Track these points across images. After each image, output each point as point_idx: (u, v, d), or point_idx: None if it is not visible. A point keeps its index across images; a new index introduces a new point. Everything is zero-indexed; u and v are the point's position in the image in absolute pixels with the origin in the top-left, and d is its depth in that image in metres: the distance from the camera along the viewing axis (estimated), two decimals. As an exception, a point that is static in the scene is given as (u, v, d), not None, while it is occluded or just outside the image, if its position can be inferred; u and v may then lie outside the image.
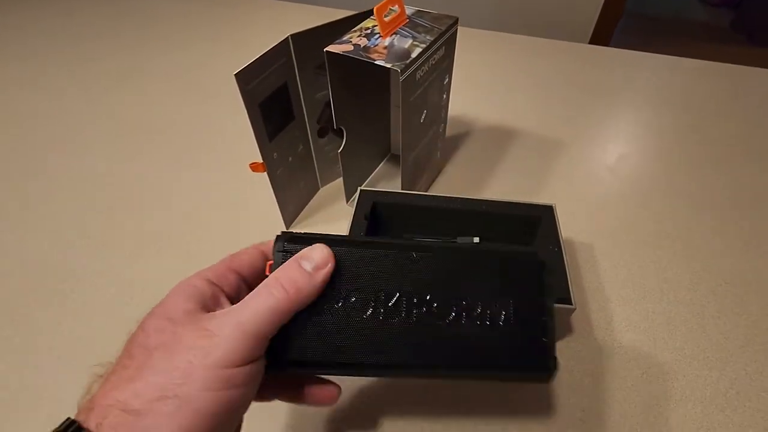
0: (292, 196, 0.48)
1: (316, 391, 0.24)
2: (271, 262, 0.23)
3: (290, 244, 0.23)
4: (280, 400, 0.25)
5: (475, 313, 0.23)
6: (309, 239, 0.23)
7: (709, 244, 0.46)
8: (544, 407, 0.34)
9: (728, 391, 0.35)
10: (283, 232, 0.23)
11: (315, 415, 0.34)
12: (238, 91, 0.35)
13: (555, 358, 0.23)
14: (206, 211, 0.50)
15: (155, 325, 0.20)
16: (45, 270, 0.44)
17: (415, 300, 0.23)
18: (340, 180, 0.50)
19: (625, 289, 0.42)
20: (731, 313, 0.40)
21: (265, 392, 0.24)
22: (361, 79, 0.43)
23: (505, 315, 0.23)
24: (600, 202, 0.51)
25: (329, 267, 0.22)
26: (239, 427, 0.23)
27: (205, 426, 0.17)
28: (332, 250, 0.22)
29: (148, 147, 0.59)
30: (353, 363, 0.22)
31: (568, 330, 0.39)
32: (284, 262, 0.22)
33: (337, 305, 0.22)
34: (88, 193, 0.53)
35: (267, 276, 0.22)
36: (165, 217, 0.49)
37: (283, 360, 0.22)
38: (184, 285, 0.21)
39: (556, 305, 0.33)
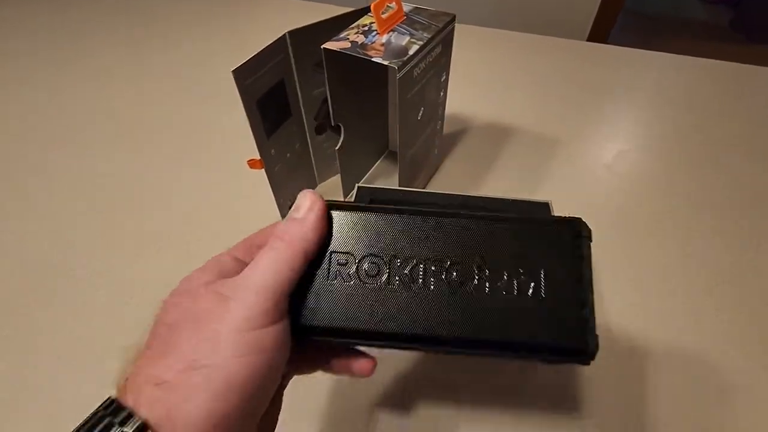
0: (290, 192, 0.48)
1: (347, 363, 0.24)
2: None
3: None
4: (319, 370, 0.24)
5: (500, 282, 0.21)
6: (332, 206, 0.23)
7: (707, 242, 0.46)
8: (535, 401, 0.34)
9: (723, 388, 0.35)
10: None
11: (313, 410, 0.34)
12: (236, 88, 0.35)
13: (596, 336, 0.20)
14: (205, 209, 0.50)
15: (173, 301, 0.20)
16: (44, 269, 0.44)
17: (433, 267, 0.21)
18: (338, 177, 0.50)
19: (622, 287, 0.42)
20: (729, 311, 0.40)
21: (299, 364, 0.24)
22: (359, 76, 0.43)
23: (534, 285, 0.21)
24: (597, 199, 0.51)
25: (317, 207, 0.22)
26: (279, 401, 0.23)
27: (238, 394, 0.17)
28: (344, 213, 0.22)
29: (146, 145, 0.59)
30: (363, 330, 0.21)
31: (564, 326, 0.39)
32: None
33: (350, 271, 0.22)
34: (86, 192, 0.53)
35: None
36: (164, 216, 0.50)
37: (295, 328, 0.21)
38: (208, 262, 0.21)
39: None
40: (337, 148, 0.45)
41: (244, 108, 0.36)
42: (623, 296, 0.41)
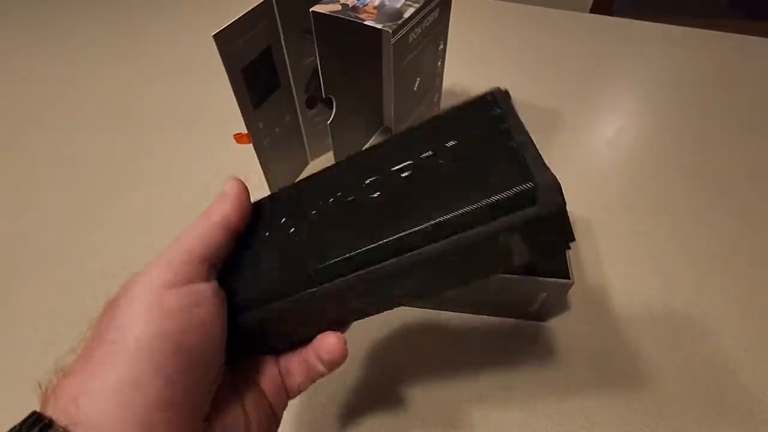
0: (281, 169, 0.46)
1: (312, 351, 0.21)
2: None
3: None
4: (290, 397, 0.22)
5: (422, 163, 0.18)
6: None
7: (710, 219, 0.45)
8: (536, 383, 0.34)
9: (725, 367, 0.34)
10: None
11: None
12: (219, 55, 0.32)
13: (546, 168, 0.16)
14: (190, 186, 0.48)
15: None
16: (23, 250, 0.43)
17: (353, 188, 0.20)
18: (331, 153, 0.48)
19: (624, 264, 0.41)
20: (731, 289, 0.39)
21: (274, 393, 0.22)
22: (351, 44, 0.40)
23: (459, 152, 0.18)
24: (598, 176, 0.49)
25: (234, 181, 0.21)
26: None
27: (149, 359, 0.15)
28: (274, 195, 0.23)
29: (126, 120, 0.57)
30: (305, 278, 0.18)
31: (565, 305, 0.38)
32: None
33: (271, 238, 0.21)
34: (64, 171, 0.50)
35: None
36: (146, 195, 0.47)
37: (234, 307, 0.19)
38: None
39: (555, 279, 0.32)
40: (329, 122, 0.43)
41: (228, 76, 0.34)
42: (625, 273, 0.40)
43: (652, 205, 0.46)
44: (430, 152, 0.19)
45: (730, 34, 0.70)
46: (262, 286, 0.19)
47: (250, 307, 0.20)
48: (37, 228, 0.45)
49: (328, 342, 0.20)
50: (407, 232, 0.16)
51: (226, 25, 0.32)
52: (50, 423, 0.14)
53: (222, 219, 0.20)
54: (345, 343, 0.20)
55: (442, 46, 0.43)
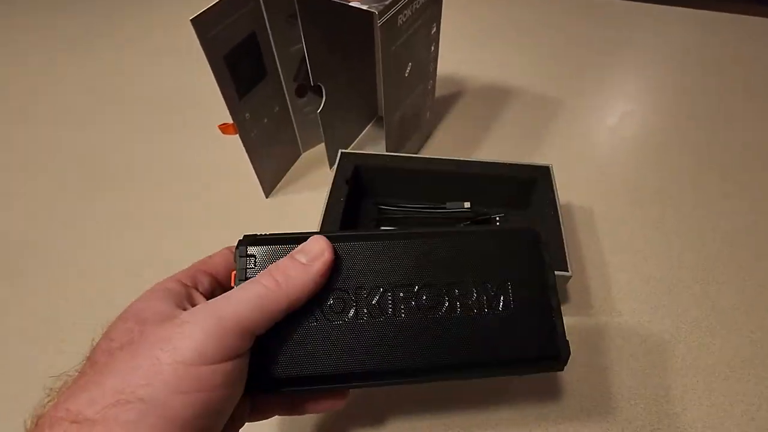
0: (271, 162, 0.44)
1: (314, 404, 0.21)
2: (235, 271, 0.20)
3: (254, 247, 0.20)
4: (279, 415, 0.22)
5: (470, 301, 0.20)
6: (275, 240, 0.20)
7: (713, 206, 0.43)
8: (532, 377, 0.32)
9: (732, 359, 0.33)
10: (245, 235, 0.21)
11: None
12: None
13: (567, 342, 0.21)
14: (174, 179, 0.47)
15: (122, 326, 0.17)
16: (5, 245, 0.42)
17: (401, 294, 0.20)
18: (323, 145, 0.46)
19: (625, 255, 0.39)
20: (736, 277, 0.38)
21: (262, 407, 0.21)
22: (338, 28, 0.39)
23: (504, 299, 0.20)
24: (599, 164, 0.48)
25: (326, 256, 0.19)
26: None
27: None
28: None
29: (106, 109, 0.55)
30: (335, 374, 0.19)
31: (564, 298, 0.36)
32: (249, 268, 0.20)
33: (314, 312, 0.20)
34: (48, 166, 0.49)
35: (233, 288, 0.19)
36: (130, 189, 0.46)
37: (261, 382, 0.19)
38: (155, 288, 0.19)
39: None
40: (318, 111, 0.41)
41: (210, 64, 0.33)
42: (626, 263, 0.38)
43: (655, 194, 0.44)
44: (489, 291, 0.21)
45: (733, 15, 0.67)
46: (285, 370, 0.19)
47: (265, 381, 0.19)
48: (17, 221, 0.44)
49: (335, 402, 0.21)
50: (446, 364, 0.20)
51: (205, 8, 0.31)
52: None
53: (295, 300, 0.18)
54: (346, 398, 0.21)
55: (435, 30, 0.41)
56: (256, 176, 0.43)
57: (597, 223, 0.42)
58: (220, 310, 0.16)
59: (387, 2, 0.31)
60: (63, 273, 0.39)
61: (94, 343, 0.17)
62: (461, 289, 0.20)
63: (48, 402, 0.16)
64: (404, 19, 0.34)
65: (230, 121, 0.37)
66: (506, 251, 0.21)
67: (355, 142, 0.51)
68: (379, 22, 0.31)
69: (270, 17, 0.36)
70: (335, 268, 0.20)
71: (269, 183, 0.45)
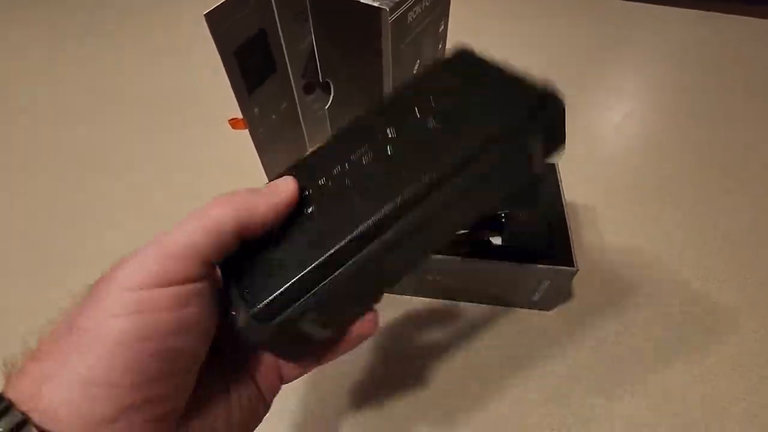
0: (278, 157, 0.45)
1: (344, 328, 0.19)
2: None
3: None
4: (284, 382, 0.21)
5: (421, 122, 0.18)
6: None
7: (714, 204, 0.44)
8: (539, 373, 0.33)
9: (735, 357, 0.33)
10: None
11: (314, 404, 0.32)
12: (212, 40, 0.31)
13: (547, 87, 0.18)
14: (185, 173, 0.47)
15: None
16: (12, 241, 0.42)
17: (354, 154, 0.18)
18: (329, 140, 0.47)
19: (630, 251, 0.40)
20: (738, 274, 0.38)
21: (282, 368, 0.20)
22: (348, 24, 0.39)
23: (459, 101, 0.19)
24: (604, 162, 0.48)
25: (288, 191, 0.18)
26: (255, 408, 0.19)
27: (123, 357, 0.14)
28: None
29: (120, 106, 0.56)
30: (340, 250, 0.16)
31: (569, 294, 0.37)
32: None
33: (288, 230, 0.18)
34: (57, 160, 0.50)
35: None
36: (142, 182, 0.47)
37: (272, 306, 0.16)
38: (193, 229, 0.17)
39: (559, 267, 0.31)
40: (326, 107, 0.42)
41: (221, 58, 0.33)
42: (630, 260, 0.39)
43: (658, 192, 0.45)
44: (436, 100, 0.19)
45: (735, 17, 0.68)
46: (287, 279, 0.16)
47: (275, 309, 0.16)
48: (26, 218, 0.44)
49: (366, 319, 0.19)
50: (448, 162, 0.17)
51: (218, 4, 0.31)
52: (9, 405, 0.13)
53: (257, 222, 0.17)
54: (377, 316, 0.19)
55: (442, 28, 0.41)
56: (263, 171, 0.43)
57: (601, 220, 0.42)
58: (162, 238, 0.16)
59: (397, 0, 0.32)
60: (66, 272, 0.40)
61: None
62: (410, 120, 0.18)
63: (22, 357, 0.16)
64: (414, 17, 0.34)
65: (240, 115, 0.38)
66: (443, 72, 0.21)
67: (361, 139, 0.51)
68: (389, 19, 0.31)
69: (280, 13, 0.37)
70: (306, 171, 0.19)
71: (276, 178, 0.45)
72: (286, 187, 0.18)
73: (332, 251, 0.16)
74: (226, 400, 0.18)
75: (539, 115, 0.18)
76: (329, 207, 0.17)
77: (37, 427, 0.13)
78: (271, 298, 0.16)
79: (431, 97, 0.19)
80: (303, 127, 0.47)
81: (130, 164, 0.49)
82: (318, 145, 0.20)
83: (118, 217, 0.44)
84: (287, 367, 0.20)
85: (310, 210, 0.18)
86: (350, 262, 0.16)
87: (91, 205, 0.45)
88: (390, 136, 0.18)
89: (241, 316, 0.16)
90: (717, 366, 0.33)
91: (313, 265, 0.16)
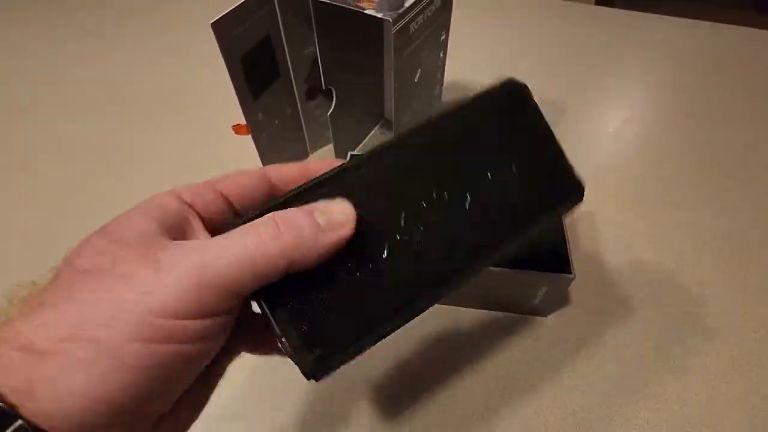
0: (280, 162, 0.45)
1: None
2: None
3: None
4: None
5: (485, 181, 0.19)
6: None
7: (715, 211, 0.44)
8: (536, 378, 0.33)
9: (734, 357, 0.34)
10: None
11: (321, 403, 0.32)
12: (217, 45, 0.32)
13: (578, 175, 0.21)
14: (188, 178, 0.48)
15: (96, 245, 0.15)
16: (12, 241, 0.42)
17: (424, 204, 0.19)
18: (330, 147, 0.47)
19: (627, 258, 0.40)
20: (737, 277, 0.39)
21: (261, 344, 0.19)
22: (351, 33, 0.40)
23: (513, 163, 0.20)
24: (602, 169, 0.49)
25: (349, 227, 0.16)
26: (212, 379, 0.18)
27: (129, 380, 0.13)
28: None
29: (123, 110, 0.56)
30: (387, 327, 0.17)
31: (566, 300, 0.37)
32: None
33: (349, 264, 0.17)
34: (54, 163, 0.50)
35: None
36: (143, 186, 0.47)
37: (328, 360, 0.17)
38: (147, 202, 0.16)
39: (556, 274, 0.32)
40: (329, 113, 0.42)
41: (227, 66, 0.34)
42: (628, 266, 0.40)
43: (656, 198, 0.46)
44: (495, 165, 0.20)
45: (734, 26, 0.69)
46: (357, 327, 0.17)
47: (340, 350, 0.17)
48: (26, 219, 0.44)
49: None
50: (498, 247, 0.19)
51: (224, 13, 0.32)
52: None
53: (297, 261, 0.15)
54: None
55: (444, 37, 0.42)
56: (265, 176, 0.44)
57: (599, 227, 0.43)
58: (203, 265, 0.14)
59: (400, 11, 0.32)
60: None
61: (65, 258, 0.15)
62: (472, 176, 0.19)
63: (7, 310, 0.14)
64: (416, 27, 0.35)
65: (243, 121, 0.38)
66: (497, 114, 0.21)
67: (361, 144, 0.52)
68: (393, 30, 0.32)
69: (284, 21, 0.37)
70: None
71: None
72: (347, 220, 0.16)
73: (406, 307, 0.18)
74: (203, 396, 0.18)
75: (577, 199, 0.21)
76: (396, 252, 0.18)
77: (29, 424, 0.12)
78: (339, 345, 0.17)
79: (483, 148, 0.20)
80: (304, 132, 0.48)
81: (131, 167, 0.49)
82: (353, 161, 0.19)
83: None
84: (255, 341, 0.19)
85: (368, 247, 0.18)
86: (415, 311, 0.18)
87: (91, 206, 0.45)
88: (447, 188, 0.19)
89: (299, 356, 0.16)
90: (718, 367, 0.33)
91: (385, 319, 0.17)
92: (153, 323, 0.13)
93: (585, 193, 0.21)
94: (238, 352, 0.20)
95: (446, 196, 0.19)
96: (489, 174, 0.20)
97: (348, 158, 0.40)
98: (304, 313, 0.16)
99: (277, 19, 0.37)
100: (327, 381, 0.33)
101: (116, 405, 0.13)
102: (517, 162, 0.20)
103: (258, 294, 0.16)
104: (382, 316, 0.17)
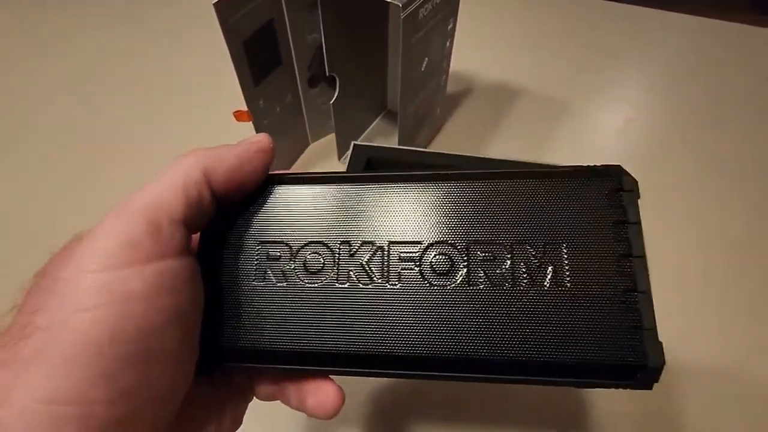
0: (280, 150, 0.44)
1: (297, 391, 0.16)
2: None
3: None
4: (259, 399, 0.18)
5: (501, 269, 0.14)
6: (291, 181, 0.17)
7: (718, 210, 0.44)
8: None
9: (737, 362, 0.34)
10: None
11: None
12: (219, 28, 0.31)
13: (660, 345, 0.13)
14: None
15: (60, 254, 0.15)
16: (19, 224, 0.41)
17: (402, 252, 0.15)
18: (332, 136, 0.46)
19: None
20: (739, 279, 0.39)
21: (241, 387, 0.18)
22: (358, 19, 0.39)
23: (554, 271, 0.14)
24: (608, 161, 0.48)
25: (261, 144, 0.16)
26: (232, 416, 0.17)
27: (91, 364, 0.11)
28: (283, 188, 0.17)
29: (120, 95, 0.55)
30: (301, 352, 0.15)
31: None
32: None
33: (284, 267, 0.15)
34: (49, 148, 0.49)
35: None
36: (139, 174, 0.46)
37: (213, 353, 0.15)
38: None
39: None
40: (332, 101, 0.41)
41: (229, 49, 0.32)
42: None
43: (660, 196, 0.45)
44: (531, 257, 0.14)
45: (738, 24, 0.68)
46: (234, 340, 0.15)
47: (211, 352, 0.15)
48: (23, 207, 0.43)
49: (323, 396, 0.16)
50: (453, 358, 0.14)
51: (227, -6, 0.30)
52: None
53: (214, 163, 0.15)
54: (343, 401, 0.16)
55: (451, 25, 0.41)
56: (266, 165, 0.43)
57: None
58: (117, 207, 0.13)
59: (410, -5, 0.31)
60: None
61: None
62: (488, 252, 0.14)
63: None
64: (425, 13, 0.34)
65: (244, 107, 0.37)
66: (566, 199, 0.15)
67: (363, 135, 0.51)
68: (402, 15, 0.31)
69: (288, 5, 0.36)
70: (317, 213, 0.16)
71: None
72: (260, 137, 0.16)
73: (309, 351, 0.15)
74: (217, 422, 0.16)
75: (617, 381, 0.14)
76: (334, 290, 0.15)
77: None
78: (231, 348, 0.15)
79: (537, 230, 0.14)
80: (305, 121, 0.47)
81: (129, 150, 0.48)
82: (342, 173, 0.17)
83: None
84: (284, 398, 0.18)
85: (322, 274, 0.15)
86: (327, 369, 0.15)
87: (89, 190, 0.44)
88: (451, 251, 0.15)
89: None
90: (719, 367, 0.33)
91: (306, 353, 0.15)
92: (89, 282, 0.12)
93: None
94: (248, 399, 0.18)
95: (436, 258, 0.14)
96: (510, 261, 0.14)
97: (351, 148, 0.39)
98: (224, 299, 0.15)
99: (281, 3, 0.36)
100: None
101: (89, 405, 0.11)
102: (566, 274, 0.14)
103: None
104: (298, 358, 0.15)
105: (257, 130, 0.39)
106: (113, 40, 0.63)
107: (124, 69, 0.58)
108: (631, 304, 0.14)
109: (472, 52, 0.61)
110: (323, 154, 0.48)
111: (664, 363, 0.13)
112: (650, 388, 0.13)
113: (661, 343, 0.13)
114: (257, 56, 0.36)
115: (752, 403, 0.32)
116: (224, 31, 0.31)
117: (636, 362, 0.13)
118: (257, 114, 0.38)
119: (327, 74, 0.39)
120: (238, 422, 0.18)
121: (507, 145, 0.50)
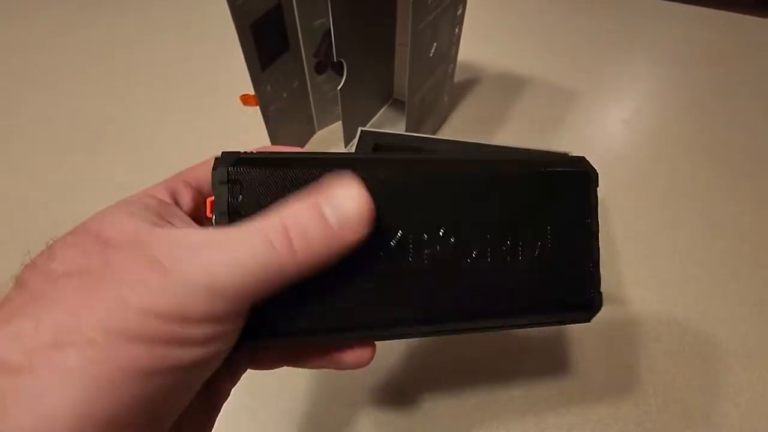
0: (287, 136, 0.44)
1: (335, 354, 0.17)
2: (212, 198, 0.16)
3: (241, 169, 0.15)
4: (287, 366, 0.18)
5: (503, 247, 0.18)
6: (272, 163, 0.16)
7: (725, 201, 0.44)
8: (545, 370, 0.33)
9: (738, 350, 0.34)
10: (224, 153, 0.16)
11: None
12: (227, 11, 0.31)
13: (600, 294, 0.20)
14: (193, 150, 0.47)
15: (72, 248, 0.13)
16: (21, 213, 0.41)
17: (425, 236, 0.17)
18: (338, 123, 0.46)
19: (637, 245, 0.40)
20: (746, 272, 0.38)
21: (263, 358, 0.18)
22: (366, 3, 0.38)
23: (540, 245, 0.19)
24: (613, 155, 0.48)
25: (365, 224, 0.14)
26: (211, 407, 0.17)
27: (129, 394, 0.11)
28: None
29: (127, 79, 0.55)
30: (351, 326, 0.17)
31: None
32: (235, 202, 0.15)
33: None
34: (55, 133, 0.49)
35: (210, 219, 0.15)
36: (147, 158, 0.46)
37: (263, 329, 0.16)
38: (127, 201, 0.15)
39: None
40: (339, 87, 0.41)
41: (237, 32, 0.32)
42: (635, 252, 0.39)
43: (667, 186, 0.45)
44: (525, 236, 0.19)
45: (749, 17, 0.67)
46: (293, 320, 0.16)
47: (264, 325, 0.16)
48: (28, 192, 0.43)
49: (360, 352, 0.17)
50: (480, 314, 0.18)
51: (236, -25, 0.30)
52: None
53: (317, 269, 0.14)
54: (373, 354, 0.18)
55: (460, 11, 0.41)
56: (272, 151, 0.42)
57: (609, 214, 0.42)
58: (212, 264, 0.12)
59: (419, -22, 0.31)
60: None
61: (28, 260, 0.13)
62: (494, 234, 0.18)
63: None
64: (434, -3, 0.34)
65: (251, 91, 0.37)
66: (548, 187, 0.19)
67: (371, 123, 0.51)
68: (411, -2, 0.30)
69: (297, -12, 0.36)
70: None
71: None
72: (362, 219, 0.14)
73: (345, 326, 0.17)
74: (201, 421, 0.17)
75: (584, 317, 0.20)
76: (395, 271, 0.17)
77: None
78: (285, 324, 0.16)
79: (519, 211, 0.19)
80: (312, 107, 0.47)
81: (136, 137, 0.48)
82: (378, 155, 0.19)
83: (124, 190, 0.43)
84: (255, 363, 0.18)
85: (371, 253, 0.16)
86: (363, 334, 0.18)
87: (95, 177, 0.44)
88: (463, 232, 0.18)
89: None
90: (721, 367, 0.33)
91: (348, 331, 0.17)
92: (158, 326, 0.12)
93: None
94: (243, 370, 0.18)
95: (458, 239, 0.18)
96: (511, 242, 0.18)
97: (359, 134, 0.39)
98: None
99: (290, -15, 0.36)
100: (328, 384, 0.32)
101: (106, 422, 0.11)
102: (545, 248, 0.19)
103: None
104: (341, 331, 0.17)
105: (264, 115, 0.39)
106: (120, 23, 0.63)
107: (130, 52, 0.58)
108: (586, 266, 0.20)
109: (480, 41, 0.61)
110: (329, 141, 0.48)
111: (600, 306, 0.20)
112: (589, 320, 0.20)
113: (601, 294, 0.20)
114: (265, 40, 0.36)
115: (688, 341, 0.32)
116: (232, 12, 0.31)
117: (583, 302, 0.20)
118: (264, 99, 0.38)
119: (335, 59, 0.39)
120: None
121: (515, 134, 0.50)
